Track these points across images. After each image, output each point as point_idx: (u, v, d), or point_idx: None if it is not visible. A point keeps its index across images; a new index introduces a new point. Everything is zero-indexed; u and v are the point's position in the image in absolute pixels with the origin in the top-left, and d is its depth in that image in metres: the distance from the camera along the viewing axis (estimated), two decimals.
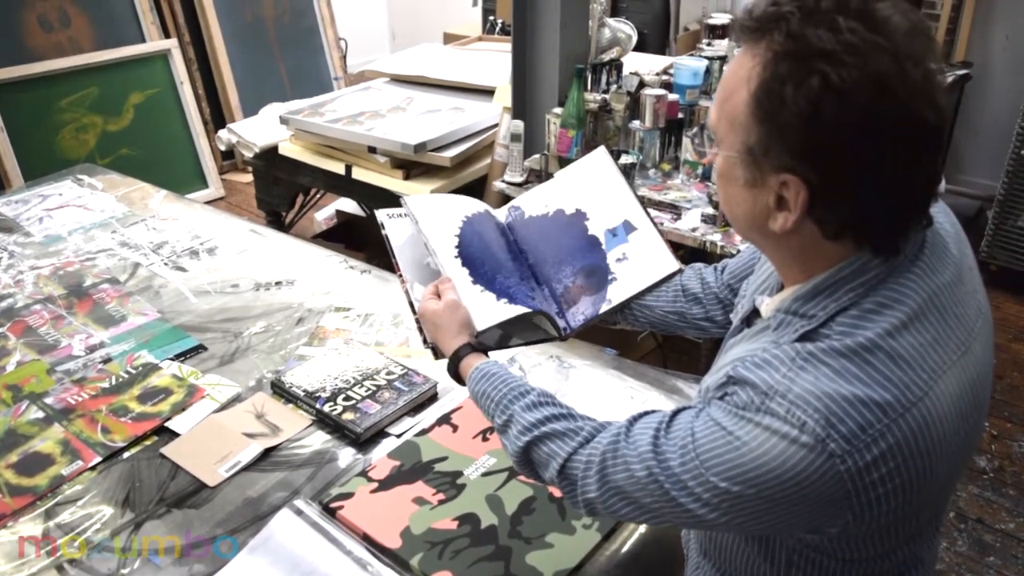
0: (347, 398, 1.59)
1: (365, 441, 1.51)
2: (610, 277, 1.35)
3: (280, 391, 1.63)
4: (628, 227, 1.38)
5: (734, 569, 1.05)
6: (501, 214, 1.46)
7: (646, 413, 0.95)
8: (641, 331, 1.34)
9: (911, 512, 0.85)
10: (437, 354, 1.24)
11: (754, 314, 1.01)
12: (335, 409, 1.56)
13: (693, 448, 0.85)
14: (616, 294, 1.33)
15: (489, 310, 1.23)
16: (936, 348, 0.82)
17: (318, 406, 1.56)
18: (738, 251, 2.17)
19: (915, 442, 0.79)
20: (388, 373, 1.66)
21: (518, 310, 1.24)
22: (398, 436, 1.53)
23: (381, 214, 1.40)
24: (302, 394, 1.60)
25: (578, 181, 1.45)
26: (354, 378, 1.65)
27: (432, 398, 1.63)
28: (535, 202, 1.45)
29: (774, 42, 0.77)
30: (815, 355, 0.81)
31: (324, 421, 1.56)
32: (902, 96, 0.74)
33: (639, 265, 1.35)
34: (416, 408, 1.60)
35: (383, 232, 1.36)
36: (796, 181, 0.79)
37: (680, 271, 1.31)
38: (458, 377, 1.16)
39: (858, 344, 0.80)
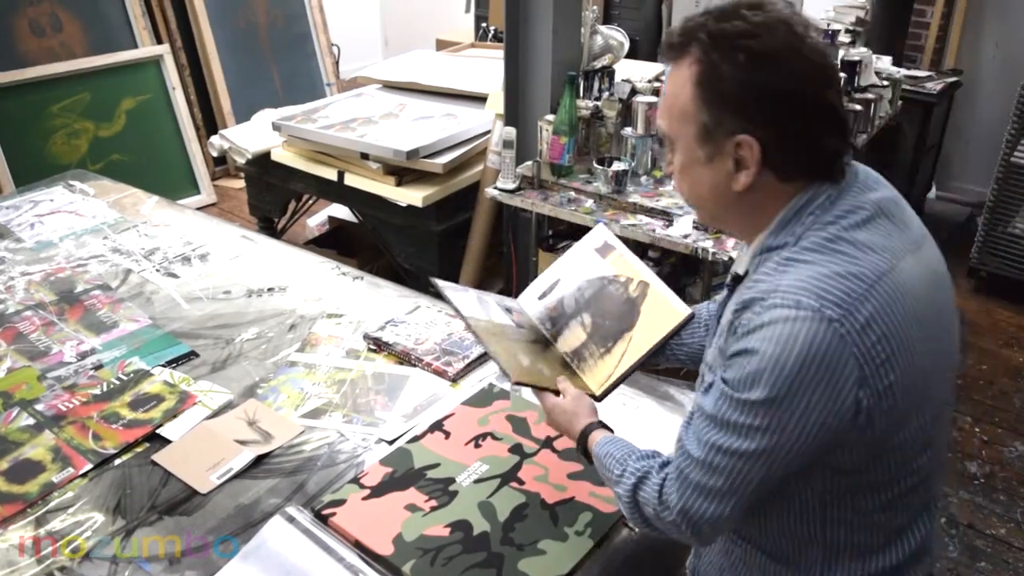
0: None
1: (356, 448, 1.51)
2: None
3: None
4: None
5: (771, 541, 1.11)
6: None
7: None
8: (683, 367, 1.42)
9: (910, 403, 0.96)
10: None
11: (733, 280, 1.12)
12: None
13: (724, 393, 0.97)
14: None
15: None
16: (891, 240, 0.98)
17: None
18: (730, 257, 2.18)
19: (893, 307, 0.93)
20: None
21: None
22: (390, 443, 1.53)
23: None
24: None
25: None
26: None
27: (415, 403, 1.63)
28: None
29: (699, 44, 0.97)
30: (792, 258, 0.97)
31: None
32: (806, 50, 0.95)
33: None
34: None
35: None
36: (747, 139, 0.96)
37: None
38: (586, 451, 1.22)
39: (825, 239, 0.96)
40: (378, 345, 1.81)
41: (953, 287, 1.09)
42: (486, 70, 3.60)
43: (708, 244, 2.24)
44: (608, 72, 2.80)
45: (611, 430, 1.24)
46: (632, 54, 3.38)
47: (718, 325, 1.12)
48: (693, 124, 1.00)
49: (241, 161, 3.47)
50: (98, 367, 1.76)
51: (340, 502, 1.36)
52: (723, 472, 0.98)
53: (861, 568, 1.08)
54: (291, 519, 1.32)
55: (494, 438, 1.51)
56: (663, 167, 2.65)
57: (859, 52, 3.30)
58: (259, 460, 1.48)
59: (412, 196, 2.89)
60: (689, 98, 0.99)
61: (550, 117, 2.63)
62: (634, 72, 3.12)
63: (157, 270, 2.17)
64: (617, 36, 2.92)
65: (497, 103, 2.99)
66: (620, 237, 2.46)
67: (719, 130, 0.98)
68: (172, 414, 1.60)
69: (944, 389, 1.05)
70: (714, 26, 0.97)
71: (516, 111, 2.88)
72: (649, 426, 1.56)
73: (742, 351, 0.95)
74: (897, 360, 0.93)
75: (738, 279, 1.09)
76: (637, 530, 1.33)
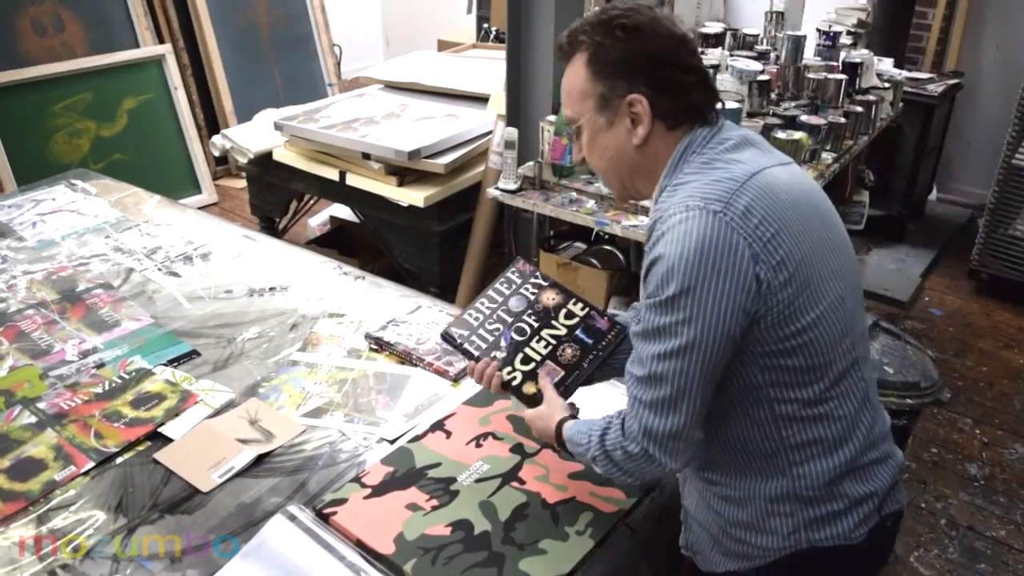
0: (526, 359, 1.42)
1: (358, 447, 1.51)
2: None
3: (451, 343, 1.46)
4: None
5: (741, 463, 1.21)
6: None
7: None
8: None
9: (806, 279, 1.10)
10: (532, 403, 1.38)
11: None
12: (515, 378, 1.39)
13: (647, 306, 1.12)
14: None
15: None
16: (757, 157, 1.16)
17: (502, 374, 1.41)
18: None
19: (766, 196, 1.10)
20: (567, 319, 1.47)
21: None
22: (392, 442, 1.53)
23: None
24: (476, 354, 1.43)
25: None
26: (530, 327, 1.46)
27: (417, 403, 1.63)
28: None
29: (585, 34, 1.18)
30: (678, 183, 1.16)
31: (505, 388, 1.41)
32: (666, 25, 1.17)
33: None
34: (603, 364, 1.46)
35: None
36: (636, 96, 1.16)
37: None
38: (561, 442, 1.30)
39: (702, 163, 1.15)
40: (379, 345, 1.82)
41: (827, 201, 1.24)
42: (488, 71, 3.60)
43: None
44: None
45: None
46: None
47: None
48: (592, 97, 1.19)
49: (243, 161, 3.48)
50: (100, 366, 1.76)
51: (341, 501, 1.36)
52: (667, 378, 1.10)
53: (828, 463, 1.16)
54: (292, 518, 1.32)
55: (495, 438, 1.52)
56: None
57: (860, 54, 3.30)
58: (260, 459, 1.48)
59: (413, 196, 2.90)
60: (584, 78, 1.19)
61: (552, 118, 2.63)
62: None
63: (159, 269, 2.18)
64: None
65: (499, 103, 2.99)
66: (621, 237, 2.47)
67: (613, 95, 1.17)
68: (174, 413, 1.60)
69: (842, 276, 1.17)
70: (594, 19, 1.19)
71: (518, 111, 2.88)
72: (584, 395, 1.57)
73: (650, 262, 1.11)
74: (782, 238, 1.08)
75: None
76: (636, 530, 1.34)
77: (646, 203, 2.39)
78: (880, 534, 1.21)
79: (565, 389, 1.39)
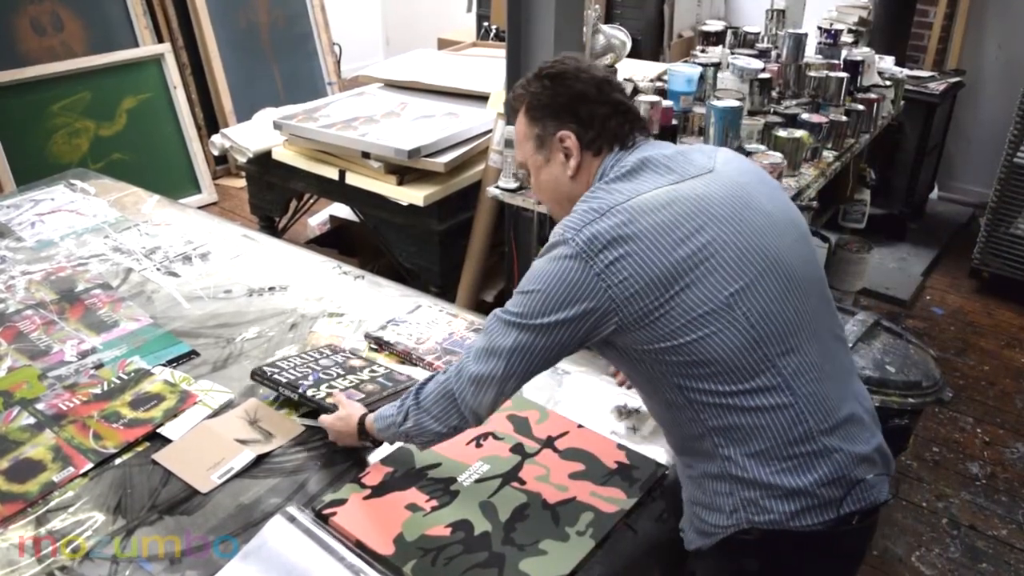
0: (331, 387, 1.58)
1: (359, 448, 1.51)
2: None
3: (261, 379, 1.62)
4: None
5: (674, 439, 1.32)
6: None
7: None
8: None
9: (659, 299, 1.16)
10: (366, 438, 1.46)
11: None
12: (318, 394, 1.55)
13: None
14: None
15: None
16: (639, 183, 1.24)
17: (300, 391, 1.56)
18: None
19: (624, 221, 1.18)
20: (372, 371, 1.67)
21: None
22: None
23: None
24: (284, 380, 1.59)
25: None
26: (338, 373, 1.65)
27: None
28: None
29: (523, 88, 1.36)
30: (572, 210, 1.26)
31: (307, 407, 1.55)
32: (586, 70, 1.34)
33: None
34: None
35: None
36: (565, 133, 1.31)
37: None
38: (368, 435, 1.43)
39: (590, 193, 1.26)
40: (379, 344, 1.81)
41: (765, 186, 1.31)
42: (488, 69, 3.59)
43: None
44: (610, 71, 2.80)
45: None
46: (634, 53, 3.38)
47: None
48: (531, 139, 1.36)
49: (242, 160, 3.47)
50: (99, 366, 1.75)
51: (341, 502, 1.35)
52: (492, 330, 1.24)
53: (749, 449, 1.19)
54: (292, 519, 1.31)
55: (495, 438, 1.51)
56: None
57: (862, 52, 3.29)
58: (260, 459, 1.48)
59: (413, 195, 2.89)
60: (524, 124, 1.36)
61: None
62: (636, 71, 3.11)
63: (158, 269, 2.17)
64: (619, 35, 2.91)
65: (499, 102, 2.98)
66: None
67: (546, 134, 1.33)
68: (173, 413, 1.59)
69: (768, 277, 1.20)
70: (530, 75, 1.37)
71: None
72: (583, 395, 1.57)
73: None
74: (631, 259, 1.16)
75: None
76: (637, 530, 1.33)
77: None
78: (842, 528, 1.20)
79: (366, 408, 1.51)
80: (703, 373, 1.18)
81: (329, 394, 1.55)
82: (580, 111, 1.31)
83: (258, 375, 1.63)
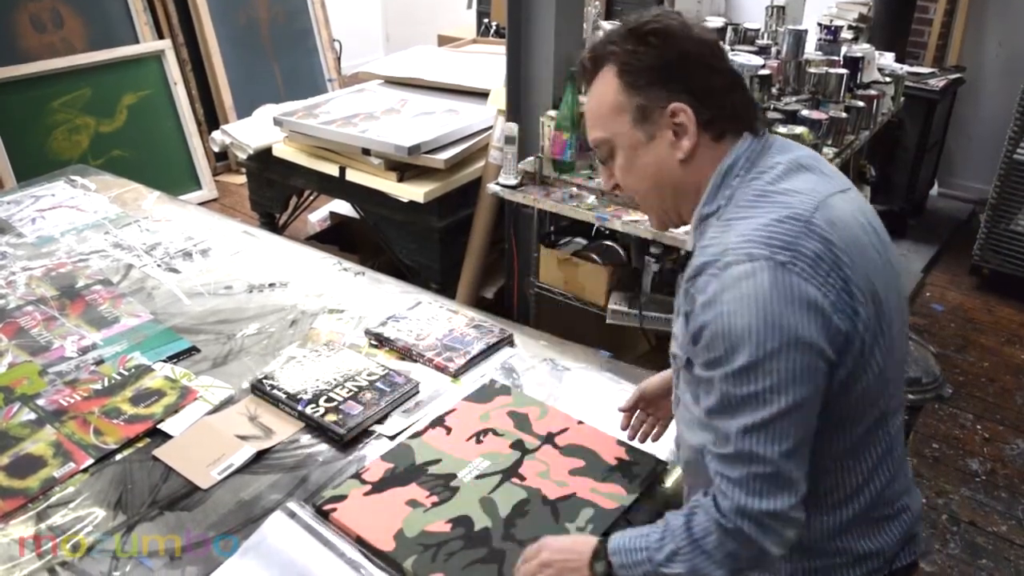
0: (329, 399, 1.58)
1: (357, 443, 1.51)
2: None
3: (261, 393, 1.63)
4: None
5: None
6: None
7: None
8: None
9: (874, 324, 1.00)
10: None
11: (686, 259, 1.20)
12: (317, 411, 1.55)
13: (713, 378, 0.99)
14: None
15: None
16: (814, 184, 1.05)
17: (300, 408, 1.56)
18: None
19: (832, 237, 0.99)
20: (369, 374, 1.66)
21: None
22: (391, 438, 1.52)
23: None
24: (283, 396, 1.59)
25: None
26: (336, 379, 1.65)
27: (417, 399, 1.63)
28: None
29: (613, 46, 1.10)
30: (729, 218, 1.04)
31: (307, 423, 1.56)
32: (696, 30, 1.10)
33: None
34: (398, 407, 1.60)
35: None
36: (679, 105, 1.07)
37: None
38: (598, 562, 1.13)
39: (754, 195, 1.05)
40: (379, 341, 1.81)
41: (883, 228, 1.14)
42: (488, 66, 3.59)
43: None
44: None
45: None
46: None
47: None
48: (627, 111, 1.09)
49: (242, 157, 3.47)
50: (99, 362, 1.75)
51: (341, 498, 1.36)
52: (758, 454, 0.97)
53: (829, 521, 1.10)
54: (292, 515, 1.31)
55: (495, 434, 1.51)
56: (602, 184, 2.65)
57: (862, 48, 3.29)
58: (260, 456, 1.48)
59: (413, 192, 2.89)
60: (616, 91, 1.10)
61: (552, 113, 2.62)
62: None
63: (158, 265, 2.17)
64: None
65: (499, 99, 2.98)
66: (621, 233, 2.46)
67: (653, 105, 1.08)
68: (173, 409, 1.60)
69: (894, 322, 1.06)
70: (621, 30, 1.11)
71: (518, 107, 2.87)
72: (583, 391, 1.56)
73: (708, 323, 0.99)
74: (854, 284, 0.99)
75: (689, 255, 1.15)
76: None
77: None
78: None
79: (363, 420, 1.54)
80: (822, 437, 1.03)
81: (328, 409, 1.56)
82: (694, 80, 1.07)
83: (258, 390, 1.63)
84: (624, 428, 1.47)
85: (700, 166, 1.09)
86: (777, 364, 0.94)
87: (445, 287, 3.05)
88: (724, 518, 1.00)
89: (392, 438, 1.53)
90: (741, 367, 0.96)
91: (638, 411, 1.47)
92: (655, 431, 1.47)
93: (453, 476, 1.41)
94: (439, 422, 1.54)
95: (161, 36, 4.51)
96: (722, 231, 1.03)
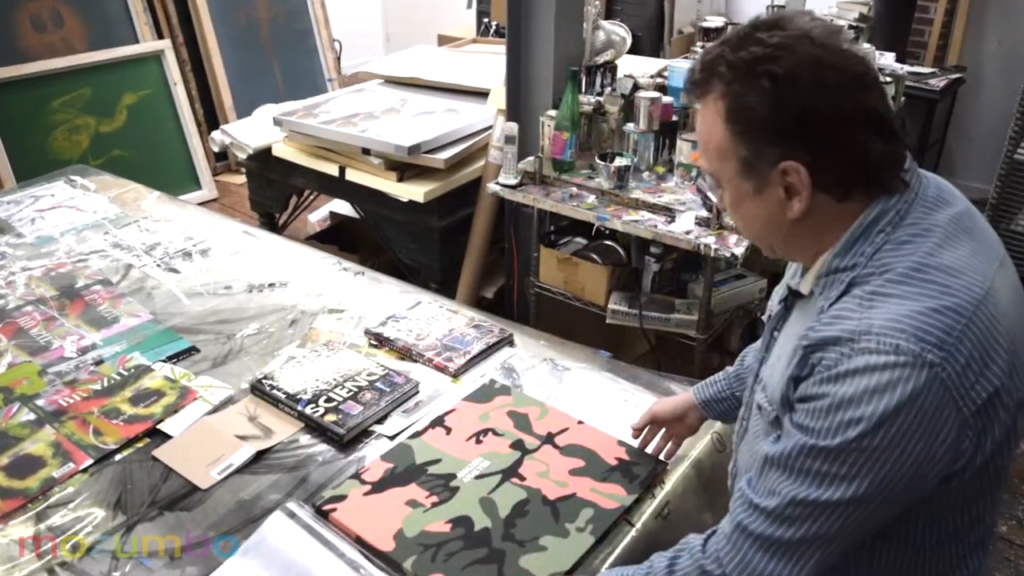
0: (329, 399, 1.58)
1: (357, 443, 1.51)
2: None
3: (261, 393, 1.62)
4: None
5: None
6: None
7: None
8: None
9: (1005, 438, 0.90)
10: None
11: (792, 297, 1.08)
12: (317, 411, 1.55)
13: (804, 443, 0.90)
14: None
15: None
16: (975, 259, 0.92)
17: (300, 408, 1.56)
18: (732, 254, 2.18)
19: (989, 340, 0.87)
20: (369, 374, 1.66)
21: None
22: (391, 438, 1.52)
23: None
24: (283, 396, 1.59)
25: None
26: (335, 379, 1.65)
27: (416, 399, 1.63)
28: None
29: (720, 78, 0.94)
30: (876, 292, 0.90)
31: (307, 423, 1.55)
32: (832, 60, 0.90)
33: None
34: (398, 407, 1.60)
35: None
36: (792, 164, 0.92)
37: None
38: None
39: (910, 268, 0.90)
40: (379, 341, 1.81)
41: None
42: (488, 66, 3.59)
43: (710, 240, 2.23)
44: (610, 68, 2.80)
45: None
46: (634, 50, 3.37)
47: (771, 340, 1.11)
48: (732, 160, 0.96)
49: (242, 156, 3.47)
50: (99, 362, 1.75)
51: (341, 498, 1.35)
52: (800, 525, 0.91)
53: None
54: (292, 515, 1.31)
55: (495, 434, 1.51)
56: (685, 159, 2.64)
57: (862, 48, 3.29)
58: (260, 456, 1.48)
59: (413, 192, 2.89)
60: (721, 135, 0.95)
61: (552, 113, 2.62)
62: (636, 68, 3.11)
63: (158, 265, 2.17)
64: (619, 32, 2.91)
65: (499, 99, 2.98)
66: (621, 233, 2.45)
67: (760, 161, 0.94)
68: (173, 409, 1.59)
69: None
70: (732, 56, 0.93)
71: (518, 107, 2.87)
72: (583, 391, 1.57)
73: (825, 395, 0.89)
74: (998, 398, 0.88)
75: (798, 296, 1.05)
76: (637, 527, 1.33)
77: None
78: None
79: (363, 420, 1.54)
80: (947, 537, 0.98)
81: (327, 409, 1.56)
82: (819, 134, 0.90)
83: (258, 390, 1.63)
84: (641, 448, 1.47)
85: (819, 224, 0.96)
86: (871, 462, 0.87)
87: (445, 287, 3.04)
88: (710, 562, 0.98)
89: (392, 438, 1.52)
90: (840, 445, 0.87)
91: (648, 429, 1.47)
92: (668, 448, 1.47)
93: (453, 476, 1.41)
94: (439, 422, 1.54)
95: (161, 36, 4.50)
96: (864, 306, 0.90)
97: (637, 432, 1.47)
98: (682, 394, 1.46)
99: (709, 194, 1.10)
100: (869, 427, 0.85)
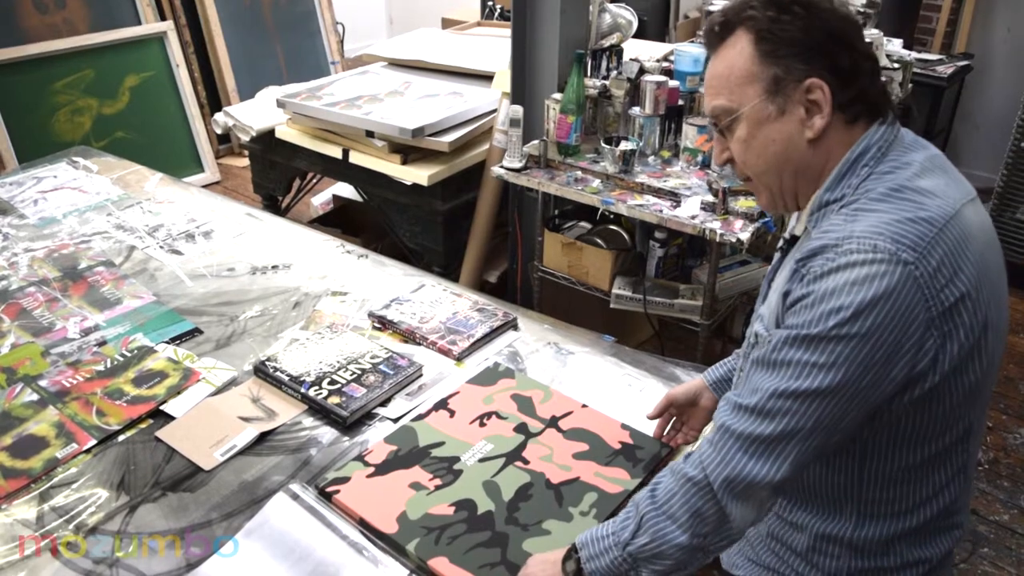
0: (332, 382, 1.58)
1: (360, 425, 1.51)
2: None
3: (264, 375, 1.62)
4: None
5: (806, 496, 1.15)
6: None
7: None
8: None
9: (972, 348, 0.99)
10: None
11: (789, 244, 1.17)
12: (320, 393, 1.55)
13: (787, 336, 0.98)
14: None
15: None
16: (948, 188, 1.02)
17: (303, 391, 1.56)
18: (737, 239, 2.16)
19: (959, 251, 0.97)
20: (373, 356, 1.66)
21: None
22: (395, 421, 1.52)
23: None
24: (286, 379, 1.59)
25: None
26: (339, 362, 1.64)
27: (420, 382, 1.62)
28: None
29: (752, 11, 1.04)
30: (860, 207, 1.00)
31: (310, 406, 1.55)
32: (842, 5, 1.05)
33: None
34: (401, 390, 1.60)
35: None
36: (817, 81, 1.02)
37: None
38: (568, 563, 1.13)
39: (890, 189, 1.00)
40: (383, 323, 1.80)
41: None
42: (492, 48, 3.57)
43: (715, 225, 2.22)
44: (616, 51, 2.78)
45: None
46: (640, 33, 3.35)
47: (768, 288, 1.16)
48: (760, 80, 1.04)
49: (245, 139, 3.46)
50: (102, 343, 1.75)
51: (344, 480, 1.35)
52: (778, 417, 0.98)
53: (889, 527, 1.10)
54: (295, 496, 1.31)
55: (499, 417, 1.51)
56: (713, 157, 2.63)
57: (869, 34, 3.26)
58: (263, 437, 1.48)
59: (417, 175, 2.88)
60: (750, 59, 1.04)
61: (557, 96, 2.60)
62: (642, 51, 3.09)
63: (161, 247, 2.16)
64: (625, 15, 2.89)
65: (503, 82, 2.96)
66: (626, 217, 2.44)
67: (789, 78, 1.03)
68: (176, 391, 1.59)
69: (998, 341, 1.05)
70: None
71: (523, 90, 2.85)
72: (587, 374, 1.57)
73: (810, 293, 0.97)
74: (965, 303, 0.96)
75: (794, 240, 1.14)
76: None
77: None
78: None
79: (366, 403, 1.54)
80: (908, 444, 1.05)
81: (331, 391, 1.55)
82: (839, 59, 1.02)
83: (260, 372, 1.63)
84: (658, 436, 1.46)
85: (828, 148, 1.05)
86: (847, 350, 0.94)
87: (448, 270, 3.04)
88: (692, 468, 1.03)
89: (395, 421, 1.52)
90: (818, 334, 0.95)
91: (665, 415, 1.48)
92: (684, 437, 1.47)
93: (456, 459, 1.40)
94: (442, 405, 1.54)
95: (163, 17, 4.48)
96: (848, 220, 0.99)
97: (655, 418, 1.47)
98: (695, 378, 1.47)
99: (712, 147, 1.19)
100: (848, 316, 0.93)
